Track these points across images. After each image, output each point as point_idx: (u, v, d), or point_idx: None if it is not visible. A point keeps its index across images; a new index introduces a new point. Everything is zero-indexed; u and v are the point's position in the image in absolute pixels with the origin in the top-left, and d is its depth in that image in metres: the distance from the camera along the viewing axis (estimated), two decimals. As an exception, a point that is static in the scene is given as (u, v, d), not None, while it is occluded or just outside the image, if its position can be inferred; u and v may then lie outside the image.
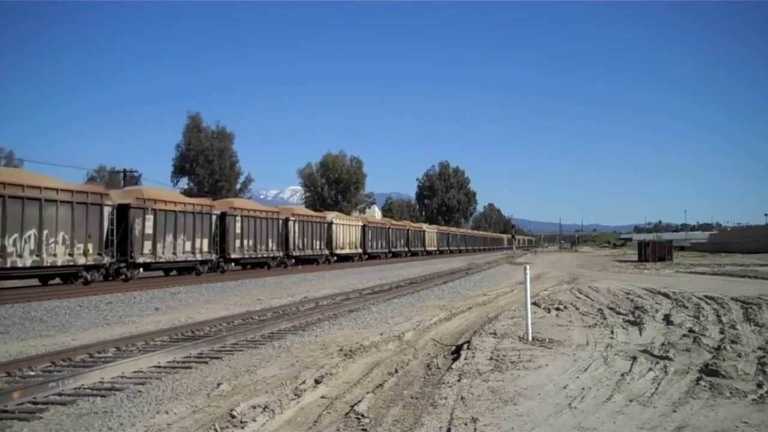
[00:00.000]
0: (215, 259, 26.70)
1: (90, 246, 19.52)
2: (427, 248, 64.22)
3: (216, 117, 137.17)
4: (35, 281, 20.33)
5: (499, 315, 12.01)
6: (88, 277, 19.77)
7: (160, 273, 25.13)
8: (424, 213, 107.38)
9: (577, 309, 12.70)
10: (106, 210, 20.45)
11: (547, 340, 8.74)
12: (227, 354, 8.55)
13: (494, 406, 5.47)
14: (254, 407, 5.49)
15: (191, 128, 62.47)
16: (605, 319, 11.11)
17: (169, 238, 23.35)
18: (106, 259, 20.34)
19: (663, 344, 8.35)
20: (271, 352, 8.64)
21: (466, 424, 4.93)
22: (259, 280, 24.00)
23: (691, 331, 9.55)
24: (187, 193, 54.31)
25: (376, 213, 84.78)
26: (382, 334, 9.78)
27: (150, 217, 22.22)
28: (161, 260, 23.12)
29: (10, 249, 16.88)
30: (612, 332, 9.52)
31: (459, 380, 6.45)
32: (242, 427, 4.99)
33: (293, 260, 34.21)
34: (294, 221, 34.18)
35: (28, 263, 17.57)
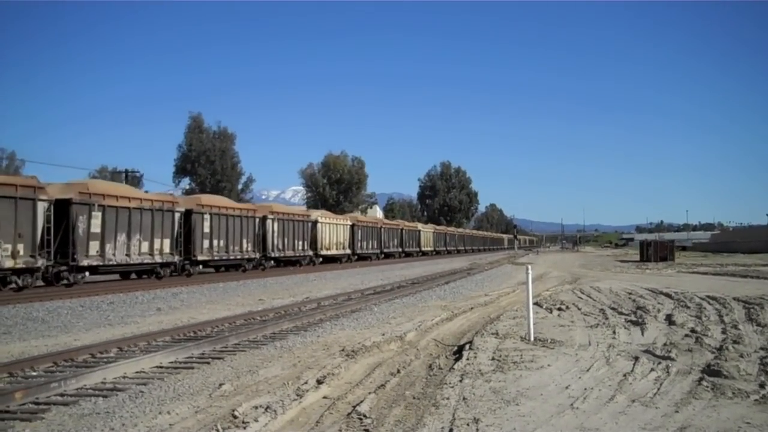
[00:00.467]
0: (178, 262, 23.95)
1: (20, 247, 17.10)
2: (423, 249, 61.77)
3: (218, 117, 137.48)
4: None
5: (501, 315, 12.00)
6: (20, 282, 17.40)
7: (116, 276, 22.88)
8: (425, 213, 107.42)
9: (579, 309, 12.69)
10: (41, 206, 17.85)
11: (549, 341, 8.74)
12: (229, 354, 8.55)
13: (496, 407, 5.47)
14: (256, 407, 5.50)
15: (193, 128, 62.64)
16: (607, 319, 11.10)
17: (122, 237, 20.85)
18: (41, 262, 17.79)
19: (665, 344, 8.34)
20: (273, 353, 8.64)
21: (468, 425, 4.93)
22: (260, 280, 24.00)
23: (693, 331, 9.54)
24: (188, 193, 54.37)
25: (377, 213, 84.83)
26: (384, 335, 9.78)
27: (97, 214, 19.79)
28: (111, 262, 20.48)
29: None
30: (614, 332, 9.51)
31: (461, 381, 6.45)
32: (244, 428, 5.00)
33: (272, 262, 31.58)
34: (272, 219, 31.43)
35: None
